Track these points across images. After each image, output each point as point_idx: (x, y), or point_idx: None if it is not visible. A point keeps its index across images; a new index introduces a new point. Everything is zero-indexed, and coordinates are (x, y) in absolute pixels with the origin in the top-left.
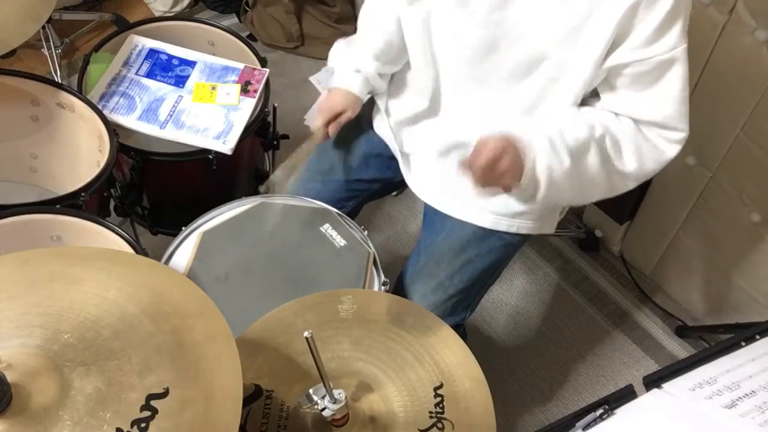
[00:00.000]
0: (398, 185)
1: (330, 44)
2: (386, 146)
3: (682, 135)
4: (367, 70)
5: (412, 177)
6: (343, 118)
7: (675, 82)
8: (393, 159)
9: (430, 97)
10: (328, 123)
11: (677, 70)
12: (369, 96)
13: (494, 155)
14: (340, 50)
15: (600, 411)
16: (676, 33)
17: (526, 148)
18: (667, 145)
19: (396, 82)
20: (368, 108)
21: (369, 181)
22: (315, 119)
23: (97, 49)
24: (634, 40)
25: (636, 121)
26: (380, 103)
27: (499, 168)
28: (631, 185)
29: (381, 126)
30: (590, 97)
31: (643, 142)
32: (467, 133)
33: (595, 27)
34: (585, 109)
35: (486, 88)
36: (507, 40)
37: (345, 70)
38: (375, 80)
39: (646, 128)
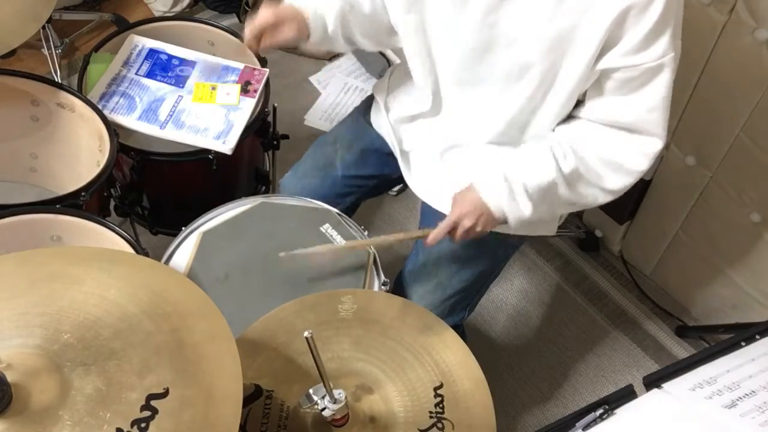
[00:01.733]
0: (396, 182)
1: None
2: (384, 142)
3: (658, 145)
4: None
5: (411, 176)
6: (280, 35)
7: (659, 89)
8: (391, 155)
9: (431, 98)
10: (258, 38)
11: (663, 77)
12: (318, 40)
13: (453, 220)
14: None
15: (600, 411)
16: (665, 41)
17: (490, 202)
18: (641, 159)
19: (396, 80)
20: (366, 104)
21: (366, 177)
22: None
23: (97, 49)
24: (624, 46)
25: (615, 128)
26: (379, 99)
27: (461, 228)
28: (611, 198)
29: (379, 122)
30: (579, 104)
31: (620, 158)
32: (466, 133)
33: (585, 31)
34: (559, 136)
35: (483, 89)
36: (501, 42)
37: None
38: (335, 25)
39: (623, 137)
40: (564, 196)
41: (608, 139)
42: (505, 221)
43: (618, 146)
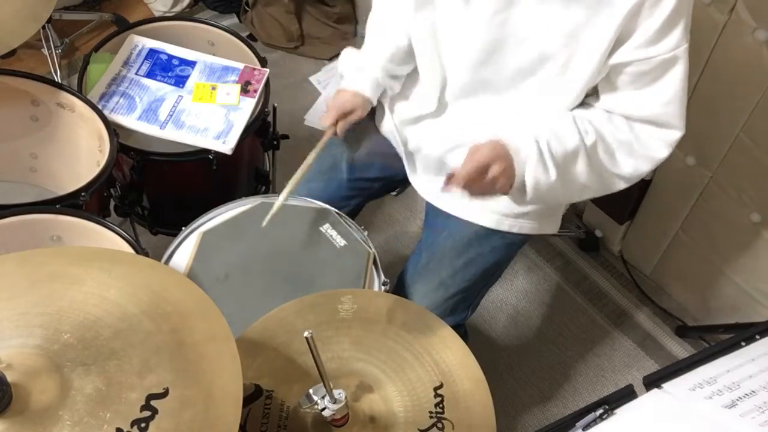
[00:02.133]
0: (400, 183)
1: (330, 44)
2: (389, 144)
3: (677, 135)
4: (377, 71)
5: (416, 177)
6: (353, 118)
7: (674, 81)
8: (395, 157)
9: (437, 99)
10: (336, 122)
11: (678, 69)
12: (377, 98)
13: (485, 161)
14: (349, 54)
15: (600, 411)
16: (678, 33)
17: (516, 156)
18: (660, 146)
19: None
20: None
21: (371, 180)
22: (322, 118)
23: (97, 49)
24: (637, 39)
25: (632, 120)
26: (384, 101)
27: (491, 173)
28: (625, 185)
29: (384, 124)
30: (590, 95)
31: (637, 145)
32: (472, 134)
33: (597, 27)
34: (579, 113)
35: (491, 88)
36: (511, 41)
37: (354, 72)
38: (386, 81)
39: (641, 127)
40: (582, 174)
41: (626, 126)
42: (521, 186)
43: (635, 133)
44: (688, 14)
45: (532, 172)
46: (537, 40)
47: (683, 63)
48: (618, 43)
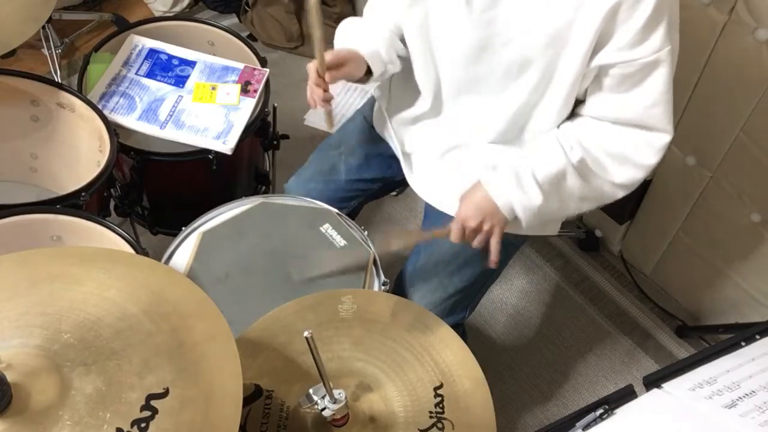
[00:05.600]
0: (399, 184)
1: (330, 44)
2: (387, 146)
3: (665, 139)
4: (378, 41)
5: (413, 177)
6: (347, 70)
7: (658, 84)
8: (394, 158)
9: (431, 98)
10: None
11: (661, 72)
12: (380, 73)
13: (462, 218)
14: (349, 23)
15: (600, 411)
16: (660, 35)
17: (497, 198)
18: (649, 153)
19: (397, 82)
20: (369, 108)
21: (370, 181)
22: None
23: (97, 49)
24: (618, 41)
25: (620, 125)
26: (381, 102)
27: (468, 228)
28: (624, 193)
29: (382, 125)
30: (580, 103)
31: (627, 153)
32: (467, 133)
33: (578, 28)
34: (564, 130)
35: (484, 88)
36: (499, 40)
37: (355, 33)
38: (389, 54)
39: (629, 131)
40: (576, 188)
41: (613, 133)
42: (515, 217)
43: (623, 140)
44: (672, 17)
45: (516, 203)
46: (521, 41)
47: (667, 66)
48: (599, 45)
